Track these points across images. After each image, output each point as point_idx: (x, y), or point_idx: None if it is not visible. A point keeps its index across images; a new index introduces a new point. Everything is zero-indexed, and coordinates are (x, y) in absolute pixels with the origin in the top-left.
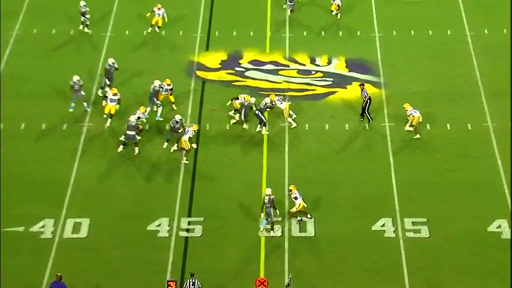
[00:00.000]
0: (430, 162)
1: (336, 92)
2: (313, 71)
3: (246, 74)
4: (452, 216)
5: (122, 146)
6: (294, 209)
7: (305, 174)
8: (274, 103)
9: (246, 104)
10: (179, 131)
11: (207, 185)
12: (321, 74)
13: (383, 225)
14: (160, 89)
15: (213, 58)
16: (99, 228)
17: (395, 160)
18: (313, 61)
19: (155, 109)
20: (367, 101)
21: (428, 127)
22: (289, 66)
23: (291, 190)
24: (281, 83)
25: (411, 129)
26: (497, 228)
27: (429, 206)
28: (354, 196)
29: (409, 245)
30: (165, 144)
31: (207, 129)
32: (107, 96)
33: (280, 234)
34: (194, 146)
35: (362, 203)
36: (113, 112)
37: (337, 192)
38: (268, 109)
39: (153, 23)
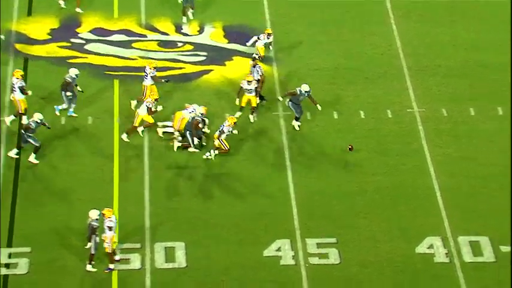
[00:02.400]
0: (339, 163)
1: (212, 70)
2: (180, 42)
3: (87, 47)
4: (370, 234)
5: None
6: (106, 246)
7: (171, 185)
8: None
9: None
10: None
11: (36, 203)
12: (191, 47)
13: (278, 249)
14: (146, 76)
15: (39, 26)
16: None
17: (293, 162)
18: (179, 29)
19: (65, 106)
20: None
21: (335, 116)
22: (146, 37)
23: (103, 215)
24: (136, 59)
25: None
26: (428, 248)
27: (339, 222)
28: (240, 212)
29: (314, 275)
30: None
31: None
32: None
33: (139, 266)
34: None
35: (250, 221)
36: (254, 104)
37: (216, 208)
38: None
39: None
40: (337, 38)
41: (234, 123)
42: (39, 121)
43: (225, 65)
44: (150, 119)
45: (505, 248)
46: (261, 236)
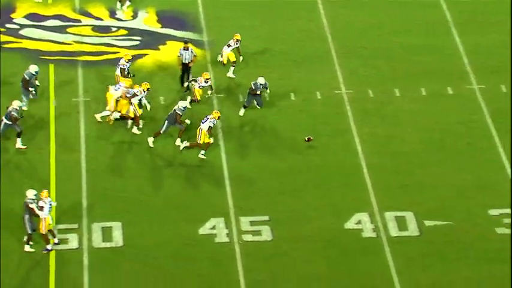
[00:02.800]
0: (270, 143)
1: (146, 54)
2: (114, 27)
3: (22, 32)
4: (301, 212)
5: None
6: (42, 227)
7: (108, 166)
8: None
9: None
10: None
11: None
12: (125, 32)
13: (213, 228)
14: (122, 67)
15: None
16: None
17: (226, 142)
18: (113, 14)
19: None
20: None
21: (266, 97)
22: (80, 22)
23: (40, 196)
24: (71, 44)
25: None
26: (356, 224)
27: (272, 200)
28: (175, 192)
29: (247, 252)
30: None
31: None
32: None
33: (77, 246)
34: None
35: (185, 200)
36: (198, 98)
37: (153, 187)
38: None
39: None
40: (265, 22)
41: (218, 117)
42: (18, 108)
43: (159, 49)
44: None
45: (429, 223)
46: (196, 215)
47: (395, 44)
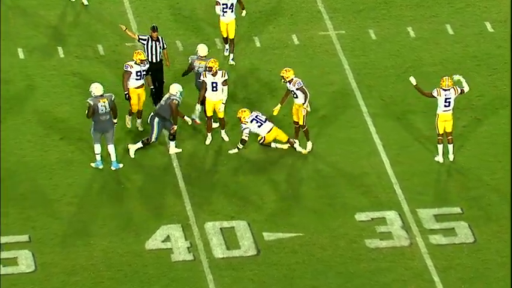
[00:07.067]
0: None
1: None
2: None
3: None
4: (80, 227)
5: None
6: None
7: None
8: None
9: None
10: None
11: None
12: None
13: None
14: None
15: None
16: None
17: None
18: None
19: None
20: None
21: None
22: None
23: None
24: None
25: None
26: (163, 242)
27: (33, 212)
28: None
29: None
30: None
31: None
32: None
33: None
34: None
35: None
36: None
37: None
38: None
39: None
40: None
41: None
42: (179, 92)
43: None
44: None
45: (270, 235)
46: None
47: None
